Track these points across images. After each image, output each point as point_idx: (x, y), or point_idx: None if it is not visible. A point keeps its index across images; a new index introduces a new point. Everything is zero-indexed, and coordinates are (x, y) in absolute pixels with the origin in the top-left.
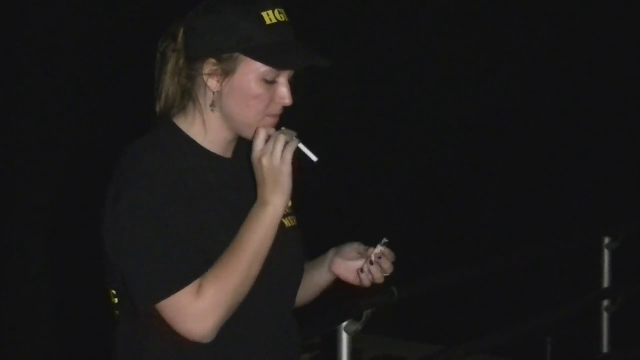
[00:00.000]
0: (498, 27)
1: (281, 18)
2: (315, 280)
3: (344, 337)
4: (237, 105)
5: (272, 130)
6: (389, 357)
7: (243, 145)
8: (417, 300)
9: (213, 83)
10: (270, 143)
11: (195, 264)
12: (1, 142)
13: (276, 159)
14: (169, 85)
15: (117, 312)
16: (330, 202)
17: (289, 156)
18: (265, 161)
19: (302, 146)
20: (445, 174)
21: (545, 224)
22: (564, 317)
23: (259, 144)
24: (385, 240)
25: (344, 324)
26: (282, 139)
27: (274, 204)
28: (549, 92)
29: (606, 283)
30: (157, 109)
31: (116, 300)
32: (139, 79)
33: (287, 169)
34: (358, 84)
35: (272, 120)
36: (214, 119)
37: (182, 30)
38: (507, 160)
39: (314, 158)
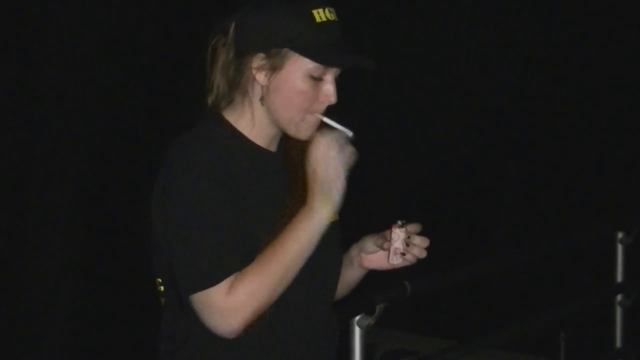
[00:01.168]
0: (516, 23)
1: (331, 17)
2: (346, 278)
3: (357, 331)
4: (282, 100)
5: (330, 137)
6: (403, 351)
7: (287, 139)
8: (431, 294)
9: (261, 77)
10: (327, 153)
11: (233, 261)
12: (19, 140)
13: (332, 174)
14: (219, 79)
15: (162, 300)
16: (346, 197)
17: (343, 173)
18: (320, 172)
19: (333, 122)
20: (461, 169)
21: (559, 219)
22: (577, 311)
23: (317, 153)
24: (400, 222)
25: (357, 317)
26: (340, 154)
27: (321, 215)
28: (566, 88)
29: (619, 277)
30: (209, 102)
31: (162, 288)
32: (157, 77)
33: (341, 186)
34: (374, 80)
35: (314, 118)
36: (261, 112)
37: (233, 25)
38: (523, 156)
39: (349, 133)
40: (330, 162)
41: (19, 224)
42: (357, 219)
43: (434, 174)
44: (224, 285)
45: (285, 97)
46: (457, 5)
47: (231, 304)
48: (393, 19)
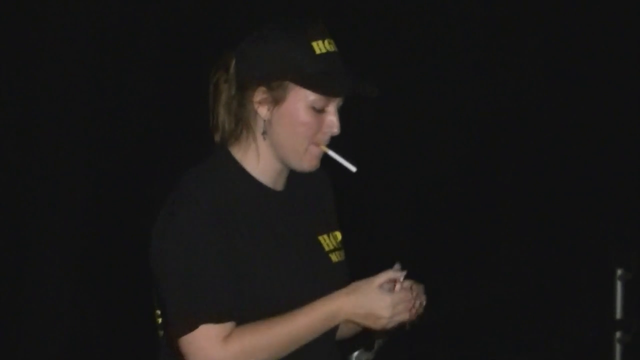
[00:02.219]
0: (515, 25)
1: (330, 48)
2: (341, 333)
3: None
4: (285, 132)
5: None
6: None
7: (293, 179)
8: (430, 327)
9: (263, 111)
10: (397, 302)
11: (225, 308)
12: (21, 142)
13: (386, 320)
14: (223, 115)
15: (160, 332)
16: (344, 207)
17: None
18: (384, 311)
19: (337, 156)
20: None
21: (557, 252)
22: (577, 346)
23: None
24: (397, 266)
25: (355, 353)
26: (393, 317)
27: (343, 313)
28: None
29: (619, 314)
30: (216, 138)
31: (159, 320)
32: (163, 80)
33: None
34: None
35: (318, 150)
36: (265, 147)
37: (233, 60)
38: (521, 189)
39: (353, 168)
40: (392, 308)
41: (20, 226)
42: (354, 233)
43: (430, 198)
44: (216, 331)
45: (288, 129)
46: (456, 8)
47: (222, 355)
48: (390, 22)
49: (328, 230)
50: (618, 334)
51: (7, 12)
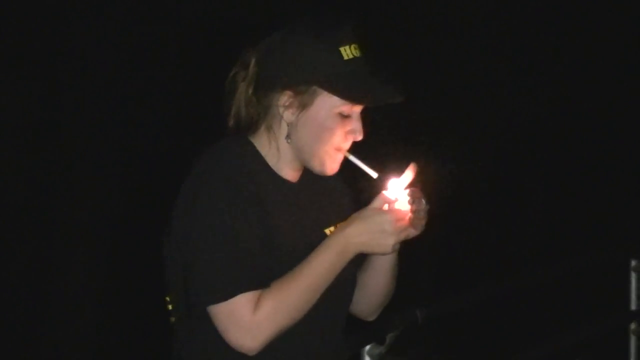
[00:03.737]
0: (539, 34)
1: (357, 53)
2: (371, 286)
3: None
4: (310, 137)
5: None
6: None
7: (308, 171)
8: (443, 321)
9: (288, 115)
10: (398, 217)
11: (259, 275)
12: (43, 152)
13: (391, 237)
14: (238, 110)
15: (172, 319)
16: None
17: (392, 242)
18: (387, 227)
19: (359, 162)
20: (480, 192)
21: (572, 244)
22: (591, 338)
23: (384, 203)
24: (390, 186)
25: (367, 347)
26: (393, 235)
27: (352, 243)
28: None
29: (633, 305)
30: (230, 124)
31: (170, 306)
32: (184, 93)
33: (392, 248)
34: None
35: (340, 155)
36: (287, 148)
37: (253, 60)
38: (545, 178)
39: (374, 174)
40: (395, 233)
41: (44, 240)
42: None
43: (446, 198)
44: (250, 298)
45: (313, 134)
46: (479, 15)
47: (257, 319)
48: (413, 28)
49: (337, 223)
50: (633, 325)
51: (32, 19)
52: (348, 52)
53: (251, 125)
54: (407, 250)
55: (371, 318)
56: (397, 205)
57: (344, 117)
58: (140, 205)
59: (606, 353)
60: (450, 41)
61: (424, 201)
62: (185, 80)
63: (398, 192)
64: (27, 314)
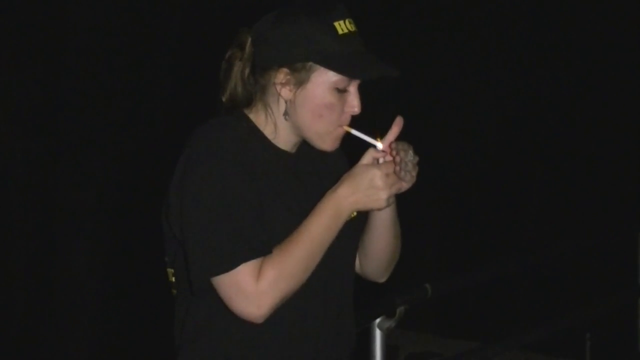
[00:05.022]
0: (542, 19)
1: (351, 28)
2: (374, 245)
3: (377, 334)
4: (309, 114)
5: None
6: (426, 354)
7: (306, 142)
8: (452, 295)
9: (286, 92)
10: (387, 171)
11: (258, 244)
12: (46, 142)
13: (383, 191)
14: (233, 88)
15: (174, 291)
16: None
17: (386, 195)
18: (377, 181)
19: (361, 134)
20: (485, 169)
21: (579, 219)
22: (600, 313)
23: (372, 160)
24: (378, 145)
25: (377, 320)
26: (386, 189)
27: (346, 202)
28: (593, 89)
29: None
30: (224, 99)
31: (173, 279)
32: (183, 79)
33: (386, 202)
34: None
35: (341, 130)
36: (285, 125)
37: (249, 40)
38: (549, 156)
39: (379, 145)
40: (387, 186)
41: (46, 226)
42: None
43: (456, 173)
44: (252, 267)
45: (312, 111)
46: (481, 4)
47: (260, 287)
48: (418, 18)
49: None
50: None
51: (33, 14)
52: (342, 26)
53: (248, 103)
54: (414, 228)
55: (382, 279)
56: (386, 159)
57: (342, 92)
58: (141, 194)
59: (615, 328)
60: (450, 28)
61: (411, 152)
62: (187, 65)
63: (386, 146)
64: (27, 307)
